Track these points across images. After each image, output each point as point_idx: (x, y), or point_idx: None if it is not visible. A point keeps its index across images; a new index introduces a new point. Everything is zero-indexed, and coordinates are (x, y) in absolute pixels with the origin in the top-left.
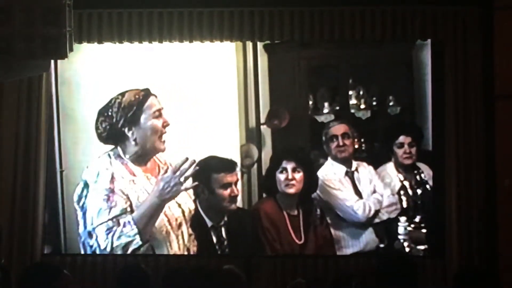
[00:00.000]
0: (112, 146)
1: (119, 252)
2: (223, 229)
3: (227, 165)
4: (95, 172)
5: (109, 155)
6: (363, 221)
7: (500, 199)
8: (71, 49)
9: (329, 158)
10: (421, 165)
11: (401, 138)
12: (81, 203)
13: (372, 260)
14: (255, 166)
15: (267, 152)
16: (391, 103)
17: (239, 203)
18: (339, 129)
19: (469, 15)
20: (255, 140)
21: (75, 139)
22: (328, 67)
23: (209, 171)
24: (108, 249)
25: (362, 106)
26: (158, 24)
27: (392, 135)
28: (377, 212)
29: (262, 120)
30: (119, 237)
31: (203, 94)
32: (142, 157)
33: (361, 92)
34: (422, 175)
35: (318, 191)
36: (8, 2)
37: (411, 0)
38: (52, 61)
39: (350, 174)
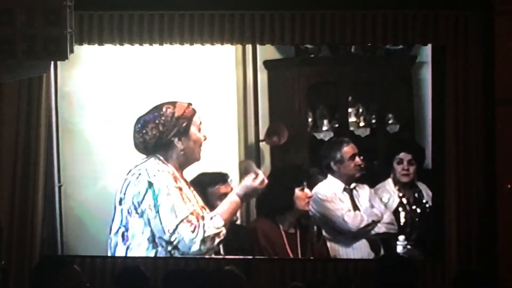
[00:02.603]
0: (144, 156)
1: (208, 243)
2: (221, 246)
3: (219, 178)
4: (156, 170)
5: (155, 160)
6: (354, 230)
7: (500, 204)
8: (72, 51)
9: (329, 176)
10: (421, 185)
11: (402, 155)
12: (147, 203)
13: (371, 263)
14: None
15: (266, 169)
16: (390, 121)
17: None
18: (353, 148)
19: (470, 19)
20: (254, 157)
21: (74, 153)
22: (328, 84)
23: (203, 187)
24: (198, 242)
25: (361, 124)
26: (159, 26)
27: (393, 151)
28: (374, 223)
29: (261, 136)
30: (208, 228)
31: (202, 110)
32: (182, 167)
33: (360, 110)
34: (421, 194)
35: (314, 206)
36: (9, 3)
37: (412, 4)
38: (53, 74)
39: (348, 191)
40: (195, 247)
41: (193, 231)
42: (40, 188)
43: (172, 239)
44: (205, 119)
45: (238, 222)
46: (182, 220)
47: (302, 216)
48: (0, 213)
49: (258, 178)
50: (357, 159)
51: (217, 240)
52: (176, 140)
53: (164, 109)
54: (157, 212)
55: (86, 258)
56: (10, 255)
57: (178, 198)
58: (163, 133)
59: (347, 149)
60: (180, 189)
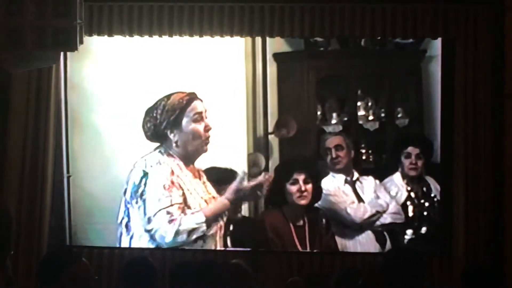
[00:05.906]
0: (158, 144)
1: (184, 236)
2: (228, 238)
3: (227, 177)
4: (155, 162)
5: (160, 151)
6: (358, 222)
7: (508, 199)
8: (81, 41)
9: None
10: (429, 179)
11: (409, 149)
12: (139, 192)
13: (379, 257)
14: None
15: (274, 162)
16: (399, 115)
17: (246, 211)
18: (332, 141)
19: (480, 13)
20: (262, 149)
21: (83, 144)
22: (337, 77)
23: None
24: (172, 233)
25: (371, 118)
26: (168, 18)
27: (401, 145)
28: (378, 213)
29: (270, 129)
30: (186, 221)
31: (211, 102)
32: (187, 159)
33: (369, 103)
34: (429, 188)
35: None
36: None
37: None
38: (62, 65)
39: (350, 182)
40: (168, 238)
41: (170, 222)
42: (49, 178)
43: (149, 228)
44: (214, 111)
45: (246, 214)
46: (160, 209)
47: (310, 209)
48: (9, 204)
49: (246, 181)
50: (332, 153)
51: (194, 236)
52: (168, 132)
53: (158, 102)
54: (143, 201)
55: (94, 249)
56: (18, 245)
57: (166, 191)
58: (155, 126)
59: (327, 142)
60: (173, 182)
